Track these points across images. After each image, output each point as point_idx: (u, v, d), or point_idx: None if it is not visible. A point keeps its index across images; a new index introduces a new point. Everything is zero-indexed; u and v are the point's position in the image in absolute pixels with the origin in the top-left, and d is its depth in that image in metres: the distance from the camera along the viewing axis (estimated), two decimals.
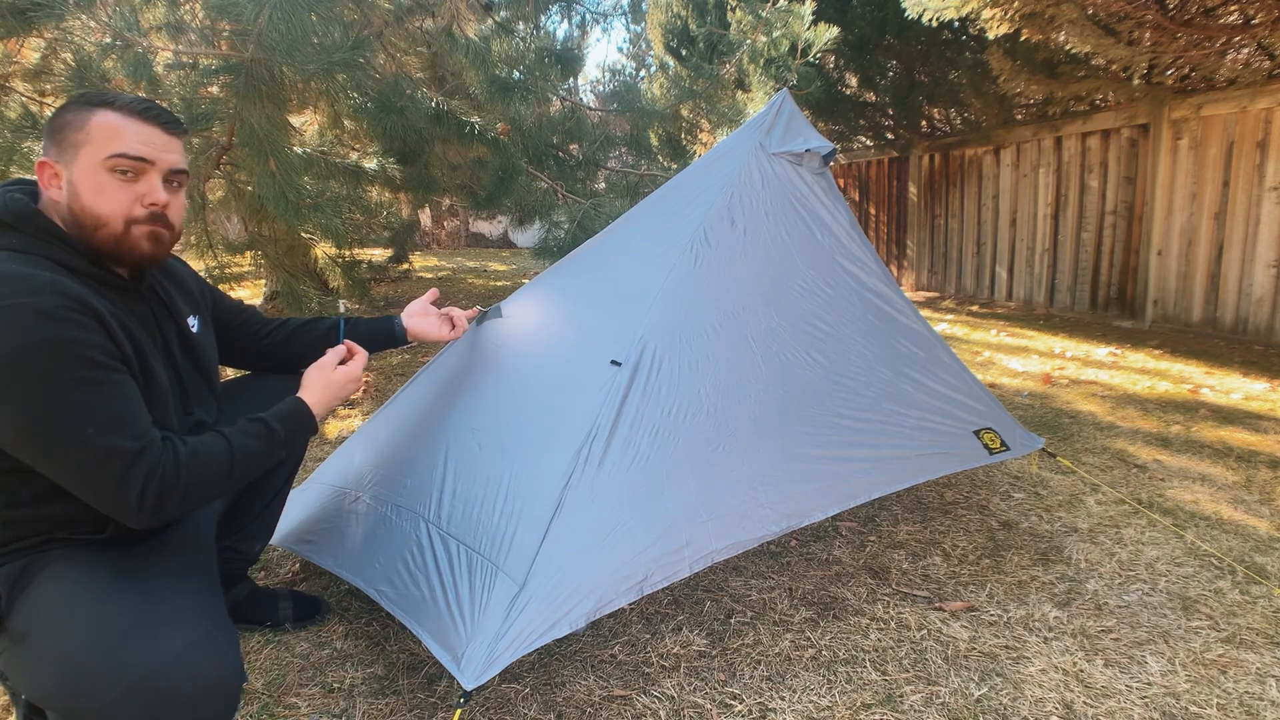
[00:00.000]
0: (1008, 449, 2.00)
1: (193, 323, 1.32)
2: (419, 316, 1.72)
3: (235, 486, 1.22)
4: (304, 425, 1.32)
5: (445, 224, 14.11)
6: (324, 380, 1.39)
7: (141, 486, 1.05)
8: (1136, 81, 4.84)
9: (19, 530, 1.09)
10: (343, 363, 1.45)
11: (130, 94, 1.17)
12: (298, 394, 1.35)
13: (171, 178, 1.18)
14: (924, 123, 7.12)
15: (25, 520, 1.09)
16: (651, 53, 12.14)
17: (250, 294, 6.17)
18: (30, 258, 1.07)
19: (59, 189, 1.12)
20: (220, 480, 1.16)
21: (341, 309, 1.61)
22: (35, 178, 1.16)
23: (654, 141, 5.36)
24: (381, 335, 1.68)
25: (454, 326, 1.76)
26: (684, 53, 7.18)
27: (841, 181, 8.30)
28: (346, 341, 1.51)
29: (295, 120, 4.37)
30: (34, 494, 1.08)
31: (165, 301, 1.26)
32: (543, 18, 5.22)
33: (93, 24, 2.92)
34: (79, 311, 1.03)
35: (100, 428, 1.02)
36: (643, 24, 11.75)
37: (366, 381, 3.66)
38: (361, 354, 1.49)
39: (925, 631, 1.62)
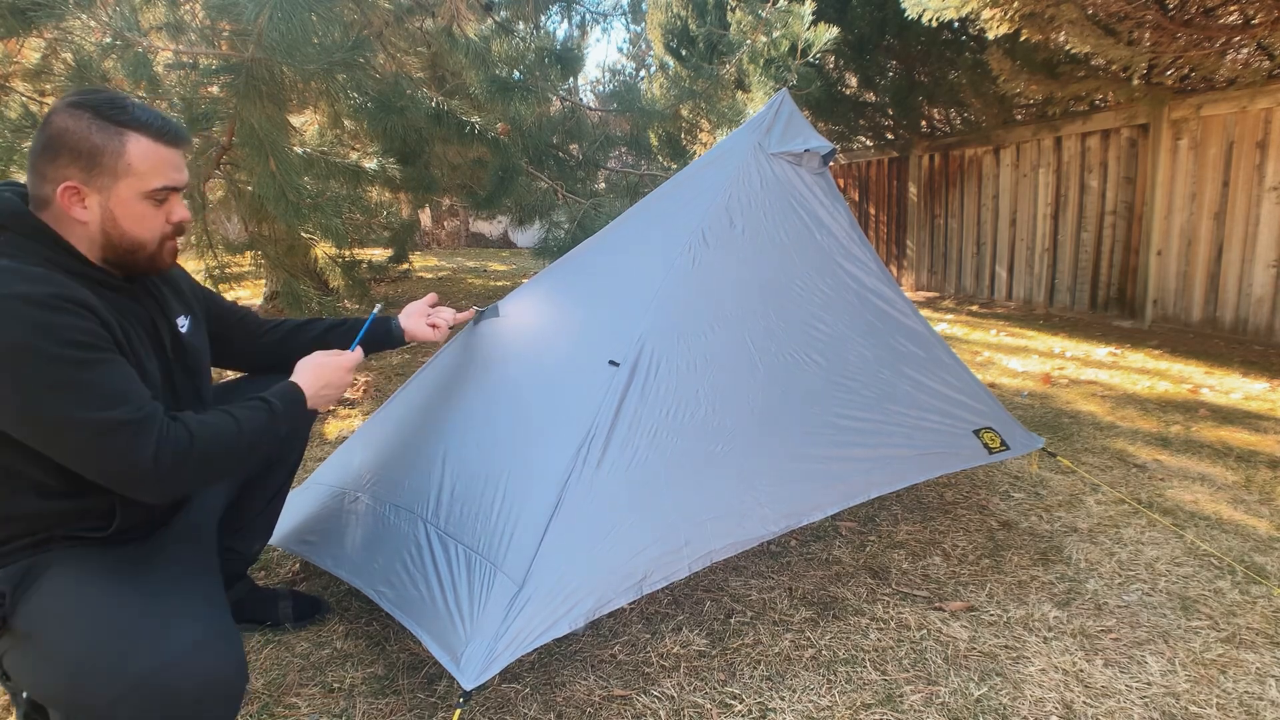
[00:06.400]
0: (1007, 449, 2.00)
1: (183, 323, 1.31)
2: (417, 318, 1.72)
3: (245, 462, 1.23)
4: (297, 403, 1.32)
5: (445, 224, 14.11)
6: (312, 364, 1.40)
7: (154, 452, 1.06)
8: (1136, 81, 4.84)
9: (18, 529, 1.10)
10: None
11: (142, 104, 1.17)
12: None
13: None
14: (924, 123, 7.11)
15: (24, 519, 1.09)
16: (651, 53, 12.14)
17: (250, 294, 6.17)
18: (22, 257, 1.07)
19: (83, 208, 1.12)
20: (231, 450, 1.17)
21: (377, 309, 1.67)
22: (23, 180, 1.16)
23: (654, 141, 5.35)
24: (380, 335, 1.68)
25: (436, 327, 1.73)
26: (684, 53, 7.18)
27: (841, 181, 8.29)
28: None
29: (295, 120, 4.37)
30: (33, 492, 1.09)
31: (159, 300, 1.26)
32: (543, 18, 5.22)
33: (93, 24, 2.92)
34: (69, 301, 1.05)
35: (101, 403, 1.03)
36: (643, 24, 11.74)
37: (365, 381, 3.66)
38: (357, 351, 1.54)
39: (925, 631, 1.62)
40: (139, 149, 1.12)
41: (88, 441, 1.03)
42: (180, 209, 1.20)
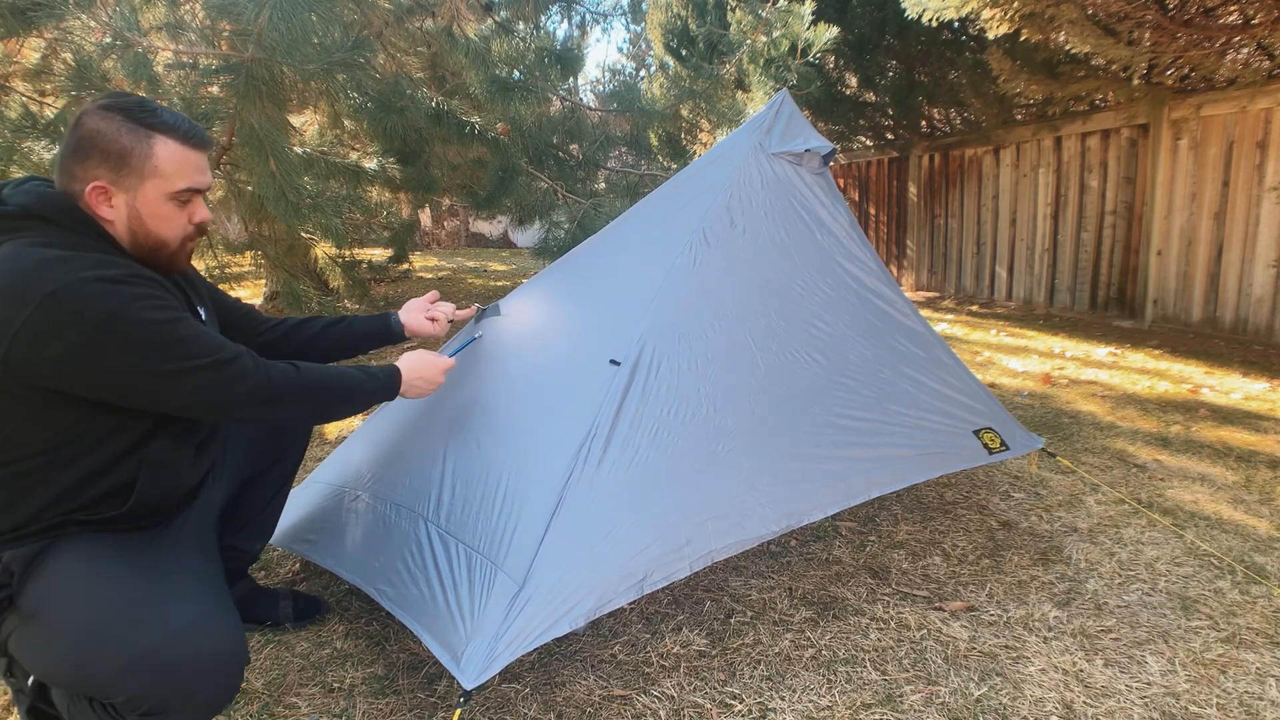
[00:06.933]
0: (1007, 449, 2.00)
1: (201, 313, 1.35)
2: (417, 313, 1.73)
3: (336, 409, 1.35)
4: (391, 381, 1.44)
5: (445, 224, 14.12)
6: (416, 357, 1.51)
7: (267, 375, 1.20)
8: (1136, 81, 4.84)
9: (47, 512, 1.12)
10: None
11: (170, 110, 1.21)
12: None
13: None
14: (924, 123, 7.11)
15: (54, 503, 1.12)
16: (651, 53, 12.14)
17: (250, 294, 6.17)
18: (76, 247, 1.11)
19: (110, 207, 1.16)
20: (329, 390, 1.31)
21: (479, 335, 1.85)
22: (39, 176, 1.19)
23: (654, 141, 5.36)
24: (379, 330, 1.69)
25: (435, 320, 1.75)
26: (684, 53, 7.18)
27: (841, 181, 8.30)
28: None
29: (295, 120, 4.37)
30: (59, 478, 1.11)
31: (184, 290, 1.30)
32: (543, 18, 5.22)
33: (93, 24, 2.92)
34: (140, 277, 1.12)
35: (206, 348, 1.14)
36: (643, 24, 11.75)
37: None
38: (452, 360, 1.63)
39: (925, 631, 1.62)
40: (166, 151, 1.16)
41: (207, 379, 1.13)
42: (202, 210, 1.25)
